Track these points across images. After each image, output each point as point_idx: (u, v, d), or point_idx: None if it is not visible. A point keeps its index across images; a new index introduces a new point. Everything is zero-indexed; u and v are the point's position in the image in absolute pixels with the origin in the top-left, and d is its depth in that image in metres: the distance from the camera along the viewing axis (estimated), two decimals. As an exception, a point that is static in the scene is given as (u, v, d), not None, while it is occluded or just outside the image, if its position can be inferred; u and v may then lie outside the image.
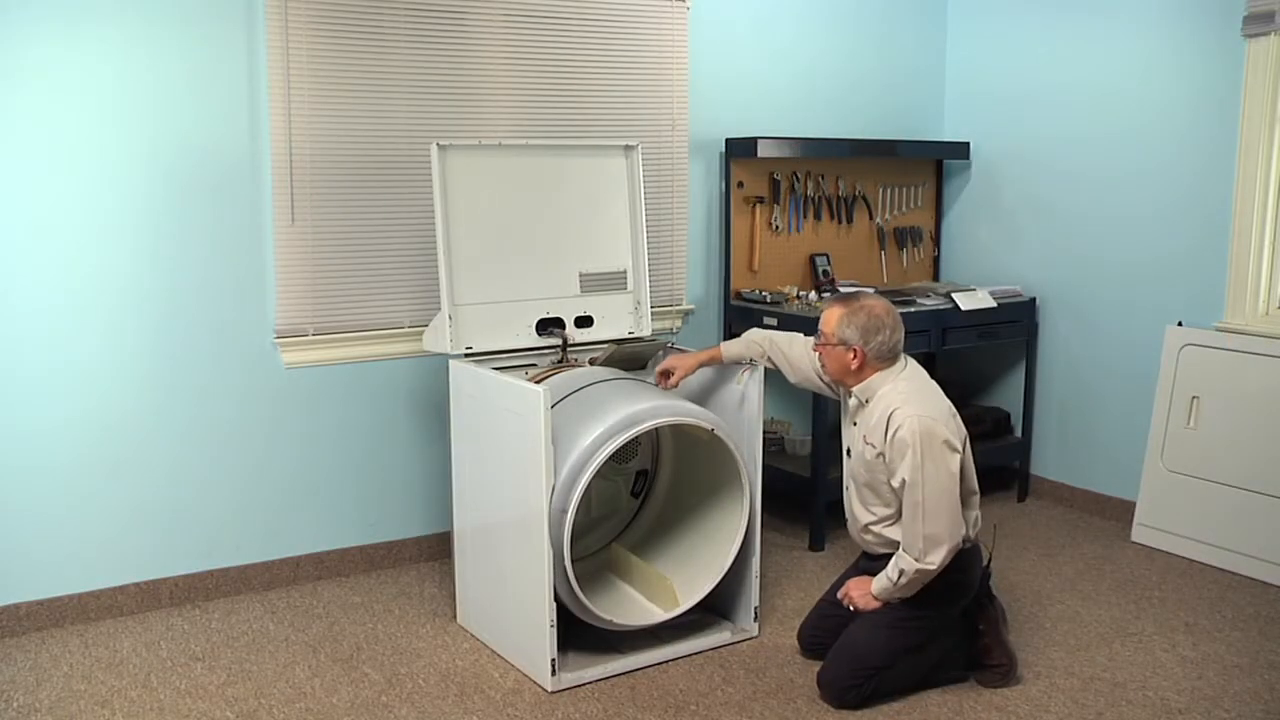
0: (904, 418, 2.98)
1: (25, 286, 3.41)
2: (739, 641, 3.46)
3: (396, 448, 4.05)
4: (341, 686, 3.18)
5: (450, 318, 3.47)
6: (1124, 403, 4.54)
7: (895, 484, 3.02)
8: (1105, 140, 4.54)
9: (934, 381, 3.20)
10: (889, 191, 5.02)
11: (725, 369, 3.49)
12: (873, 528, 3.17)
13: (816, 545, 4.29)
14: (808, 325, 4.22)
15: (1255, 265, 4.08)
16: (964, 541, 3.05)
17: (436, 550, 4.13)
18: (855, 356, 3.10)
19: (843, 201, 4.90)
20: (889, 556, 3.09)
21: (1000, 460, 4.92)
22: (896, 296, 4.60)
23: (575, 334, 3.72)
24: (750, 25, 4.63)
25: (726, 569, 3.37)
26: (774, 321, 4.35)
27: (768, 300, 4.48)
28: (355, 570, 4.03)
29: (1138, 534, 4.37)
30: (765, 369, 3.42)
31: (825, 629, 3.27)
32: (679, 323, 4.62)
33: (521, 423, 3.09)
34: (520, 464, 3.14)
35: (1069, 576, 4.02)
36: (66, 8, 3.35)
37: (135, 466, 3.63)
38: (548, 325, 3.68)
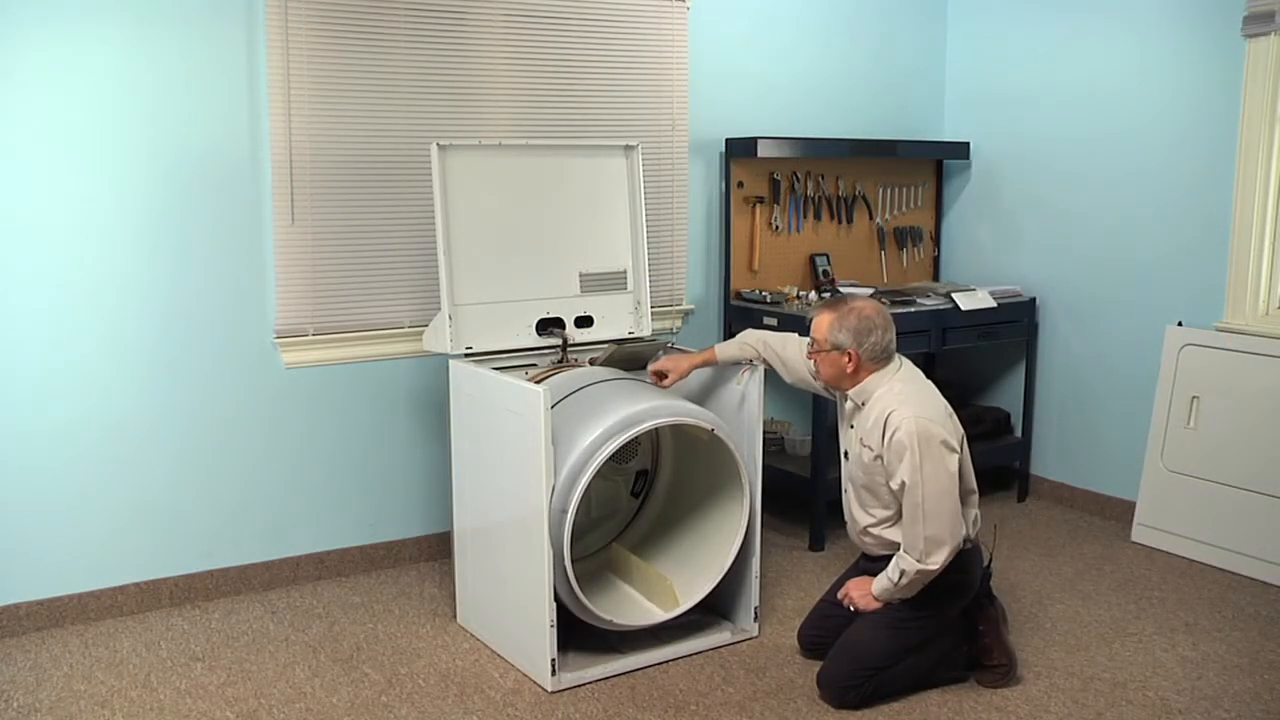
0: (901, 419, 2.98)
1: (25, 286, 3.41)
2: (739, 641, 3.46)
3: (396, 448, 4.05)
4: (341, 686, 3.18)
5: (450, 318, 3.47)
6: (1124, 403, 4.54)
7: (894, 486, 3.02)
8: (1105, 140, 4.54)
9: (930, 381, 3.20)
10: (889, 191, 5.02)
11: (725, 369, 3.49)
12: (872, 530, 3.17)
13: (816, 545, 4.29)
14: (807, 325, 4.22)
15: (1255, 265, 4.08)
16: (964, 542, 3.05)
17: (436, 550, 4.13)
18: (850, 360, 3.09)
19: (843, 201, 4.90)
20: (889, 558, 3.09)
21: (1000, 460, 4.92)
22: (896, 296, 4.60)
23: (575, 334, 3.72)
24: (750, 25, 4.63)
25: (726, 569, 3.37)
26: (774, 321, 4.35)
27: (768, 300, 4.48)
28: (355, 570, 4.03)
29: (1138, 534, 4.37)
30: (764, 367, 3.42)
31: (825, 629, 3.27)
32: (679, 323, 4.62)
33: (521, 423, 3.09)
34: (520, 464, 3.14)
35: (1069, 576, 4.02)
36: (67, 8, 3.35)
37: (135, 466, 3.63)
38: (548, 325, 3.68)
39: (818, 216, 4.84)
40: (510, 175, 3.61)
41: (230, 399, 3.75)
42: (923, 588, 3.04)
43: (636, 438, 3.17)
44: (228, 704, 3.08)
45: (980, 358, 5.11)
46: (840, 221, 4.90)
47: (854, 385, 3.14)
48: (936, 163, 5.15)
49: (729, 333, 4.63)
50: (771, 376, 3.48)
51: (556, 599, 3.10)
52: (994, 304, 4.64)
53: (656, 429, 3.26)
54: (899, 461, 2.98)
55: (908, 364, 3.19)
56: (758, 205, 4.65)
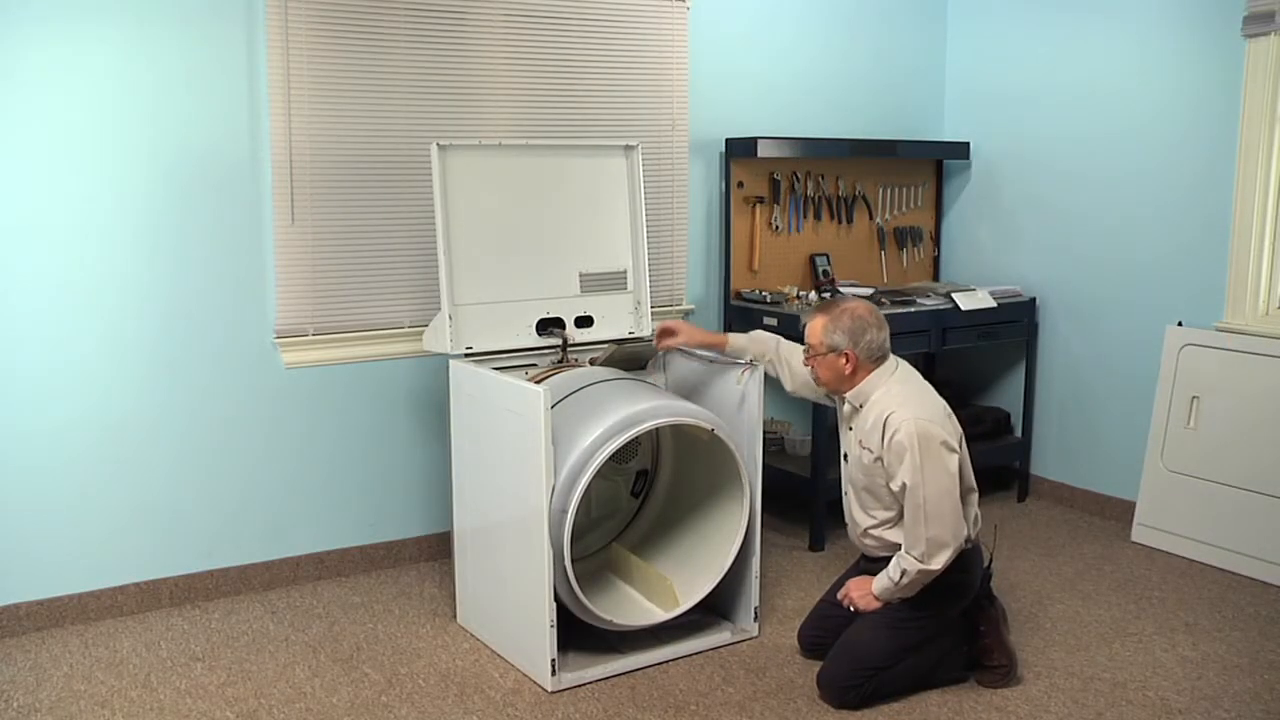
0: (900, 421, 2.98)
1: (25, 286, 3.41)
2: (739, 641, 3.46)
3: (396, 448, 4.05)
4: (341, 686, 3.18)
5: (450, 318, 3.47)
6: (1124, 403, 4.54)
7: (895, 488, 3.02)
8: (1105, 140, 4.54)
9: (927, 382, 3.20)
10: (889, 191, 5.02)
11: (725, 369, 3.49)
12: (873, 531, 3.17)
13: (816, 545, 4.29)
14: (802, 329, 4.22)
15: (1255, 265, 4.08)
16: (965, 541, 3.05)
17: (436, 550, 4.13)
18: (848, 361, 3.10)
19: (843, 201, 4.90)
20: (890, 559, 3.09)
21: (1000, 460, 4.92)
22: (896, 296, 4.60)
23: (575, 334, 3.71)
24: (750, 25, 4.63)
25: (726, 569, 3.37)
26: (774, 321, 4.34)
27: (768, 300, 4.48)
28: (355, 570, 4.03)
29: (1138, 534, 4.37)
30: (764, 366, 3.42)
31: (825, 629, 3.26)
32: (679, 323, 4.62)
33: (521, 423, 3.09)
34: (520, 464, 3.14)
35: (1069, 576, 4.02)
36: (67, 8, 3.35)
37: (135, 466, 3.63)
38: (548, 325, 3.68)
39: (818, 216, 4.84)
40: (510, 175, 3.61)
41: (230, 399, 3.75)
42: (923, 588, 3.04)
43: (636, 438, 3.17)
44: (228, 704, 3.08)
45: (980, 358, 5.11)
46: (840, 221, 4.90)
47: (851, 387, 3.14)
48: (936, 163, 5.15)
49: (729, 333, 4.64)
50: (770, 377, 3.48)
51: (556, 599, 3.10)
52: (994, 304, 4.64)
53: (656, 429, 3.26)
54: (899, 463, 2.98)
55: (904, 364, 3.19)
56: (758, 205, 4.65)
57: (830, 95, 4.87)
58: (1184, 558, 4.18)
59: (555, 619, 3.10)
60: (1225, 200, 4.14)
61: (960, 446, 3.07)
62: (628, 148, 3.81)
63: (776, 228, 4.71)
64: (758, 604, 3.48)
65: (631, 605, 3.42)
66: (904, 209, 5.08)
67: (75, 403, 3.51)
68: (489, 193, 3.57)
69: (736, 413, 3.43)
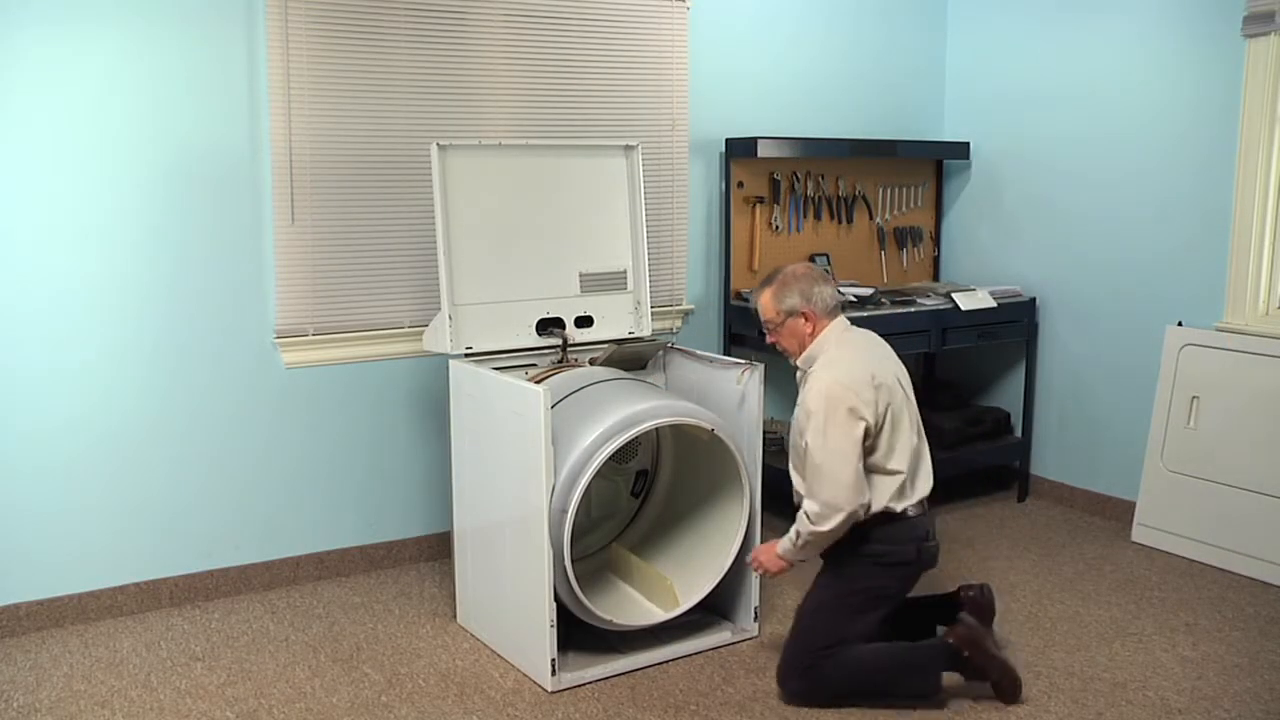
0: (815, 382, 2.99)
1: (26, 286, 3.41)
2: (739, 641, 3.46)
3: (396, 448, 4.05)
4: (341, 686, 3.18)
5: (450, 318, 3.47)
6: (1124, 403, 4.54)
7: (803, 447, 3.02)
8: (1105, 140, 4.54)
9: (879, 345, 3.18)
10: (889, 191, 5.02)
11: (725, 369, 3.48)
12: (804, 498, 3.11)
13: (816, 545, 4.28)
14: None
15: (1255, 265, 4.08)
16: (864, 510, 2.98)
17: (436, 550, 4.13)
18: (806, 320, 3.12)
19: (843, 201, 4.90)
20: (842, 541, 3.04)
21: (1000, 460, 4.92)
22: (896, 296, 4.60)
23: (575, 334, 3.71)
24: (750, 25, 4.63)
25: (726, 569, 3.37)
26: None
27: (768, 300, 4.48)
28: (355, 570, 4.03)
29: (1138, 534, 4.37)
30: (764, 368, 3.41)
31: None
32: (679, 323, 4.62)
33: (521, 423, 3.09)
34: (520, 464, 3.14)
35: (1069, 576, 4.02)
36: (66, 8, 3.35)
37: (135, 466, 3.63)
38: (548, 325, 3.68)
39: (818, 216, 4.84)
40: (510, 175, 3.61)
41: (230, 399, 3.75)
42: (851, 558, 3.02)
43: (636, 438, 3.17)
44: (228, 704, 3.08)
45: (980, 358, 5.11)
46: (840, 221, 4.90)
47: (805, 349, 3.13)
48: (936, 163, 5.15)
49: (729, 333, 4.64)
50: (771, 377, 3.48)
51: (556, 599, 3.10)
52: (994, 304, 4.64)
53: (656, 429, 3.26)
54: (807, 422, 2.98)
55: (856, 329, 3.19)
56: (758, 205, 4.65)
57: (830, 95, 4.87)
58: (1184, 558, 4.18)
59: (555, 619, 3.10)
60: (1225, 200, 4.14)
61: (882, 418, 3.01)
62: (628, 148, 3.81)
63: (776, 228, 4.71)
64: (758, 604, 3.48)
65: (631, 605, 3.42)
66: (904, 209, 5.08)
67: (75, 403, 3.51)
68: (489, 193, 3.57)
69: (736, 413, 3.43)
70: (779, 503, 4.53)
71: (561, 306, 3.71)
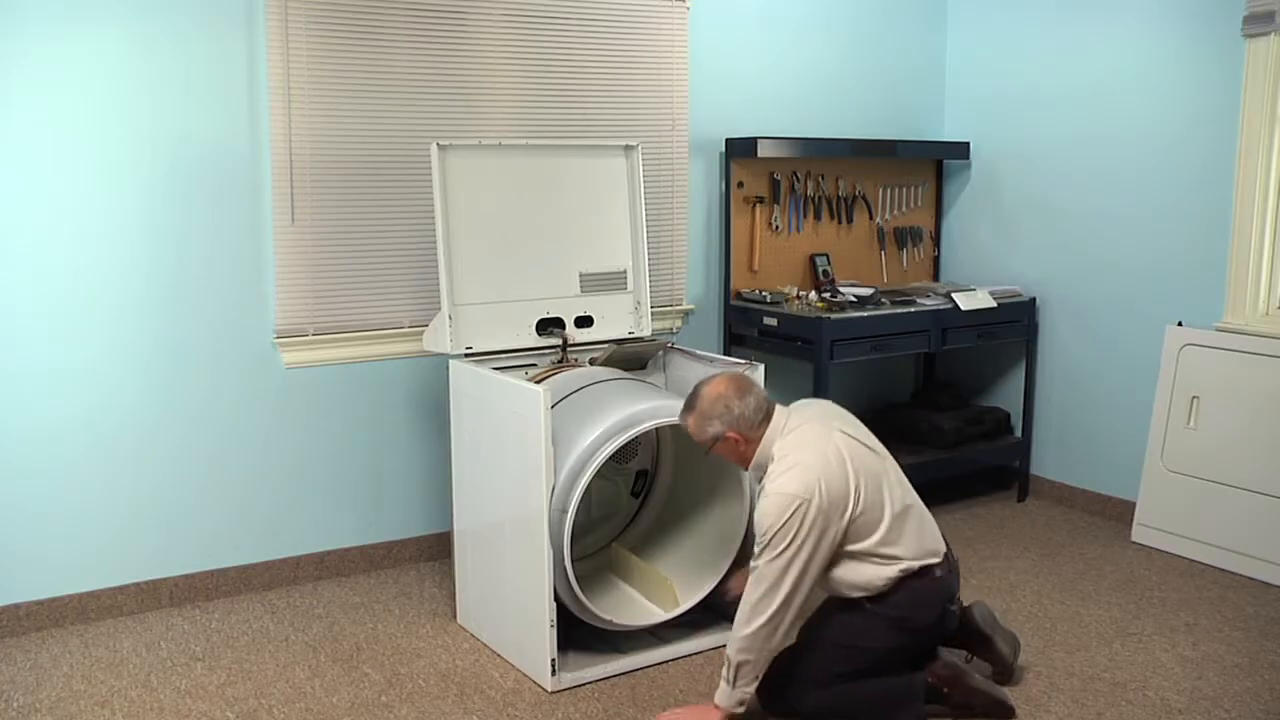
0: (768, 492, 2.79)
1: (26, 287, 3.41)
2: (739, 641, 3.46)
3: (396, 448, 4.05)
4: (341, 686, 3.18)
5: (450, 318, 3.47)
6: (1124, 403, 4.54)
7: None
8: (1105, 140, 4.54)
9: (833, 418, 2.95)
10: (889, 191, 5.02)
11: (726, 368, 3.48)
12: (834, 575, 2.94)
13: (816, 545, 4.27)
14: (807, 325, 4.23)
15: (1255, 265, 4.08)
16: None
17: (436, 550, 4.13)
18: (737, 440, 2.91)
19: (843, 201, 4.90)
20: (856, 599, 2.90)
21: (1000, 460, 4.92)
22: (896, 296, 4.60)
23: (575, 334, 3.72)
24: (750, 25, 4.63)
25: (726, 569, 3.37)
26: (774, 321, 4.35)
27: (768, 300, 4.48)
28: (355, 570, 4.03)
29: (1138, 534, 4.37)
30: (763, 366, 3.40)
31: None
32: (679, 323, 4.62)
33: (521, 423, 3.09)
34: (520, 464, 3.14)
35: (1069, 576, 4.02)
36: (66, 8, 3.35)
37: (135, 466, 3.63)
38: (548, 325, 3.68)
39: (818, 216, 4.84)
40: (510, 175, 3.61)
41: (230, 399, 3.75)
42: (861, 618, 2.86)
43: (636, 438, 3.17)
44: (228, 704, 3.08)
45: (980, 358, 5.11)
46: (840, 221, 4.90)
47: (751, 459, 2.94)
48: (936, 163, 5.15)
49: (729, 333, 4.64)
50: (771, 377, 3.47)
51: (556, 599, 3.10)
52: (994, 304, 4.64)
53: (656, 429, 3.26)
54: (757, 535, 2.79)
55: (797, 408, 2.97)
56: (758, 205, 4.65)
57: (830, 95, 4.87)
58: (1184, 558, 4.18)
59: (555, 619, 3.10)
60: (1225, 200, 4.14)
61: (855, 500, 2.80)
62: (628, 148, 3.81)
63: (776, 228, 4.71)
64: (758, 604, 3.48)
65: (631, 605, 3.42)
66: (904, 209, 5.08)
67: (76, 403, 3.51)
68: (489, 193, 3.57)
69: (736, 413, 3.42)
70: (779, 503, 4.54)
71: (561, 306, 3.71)
